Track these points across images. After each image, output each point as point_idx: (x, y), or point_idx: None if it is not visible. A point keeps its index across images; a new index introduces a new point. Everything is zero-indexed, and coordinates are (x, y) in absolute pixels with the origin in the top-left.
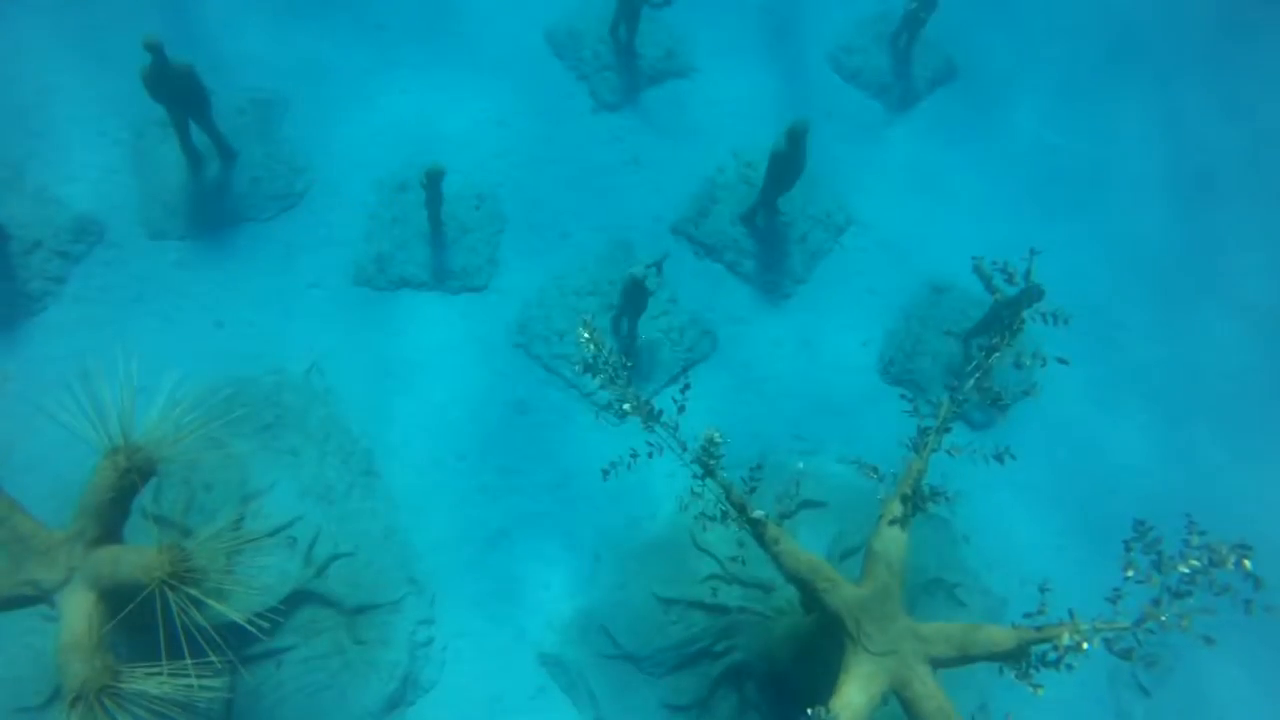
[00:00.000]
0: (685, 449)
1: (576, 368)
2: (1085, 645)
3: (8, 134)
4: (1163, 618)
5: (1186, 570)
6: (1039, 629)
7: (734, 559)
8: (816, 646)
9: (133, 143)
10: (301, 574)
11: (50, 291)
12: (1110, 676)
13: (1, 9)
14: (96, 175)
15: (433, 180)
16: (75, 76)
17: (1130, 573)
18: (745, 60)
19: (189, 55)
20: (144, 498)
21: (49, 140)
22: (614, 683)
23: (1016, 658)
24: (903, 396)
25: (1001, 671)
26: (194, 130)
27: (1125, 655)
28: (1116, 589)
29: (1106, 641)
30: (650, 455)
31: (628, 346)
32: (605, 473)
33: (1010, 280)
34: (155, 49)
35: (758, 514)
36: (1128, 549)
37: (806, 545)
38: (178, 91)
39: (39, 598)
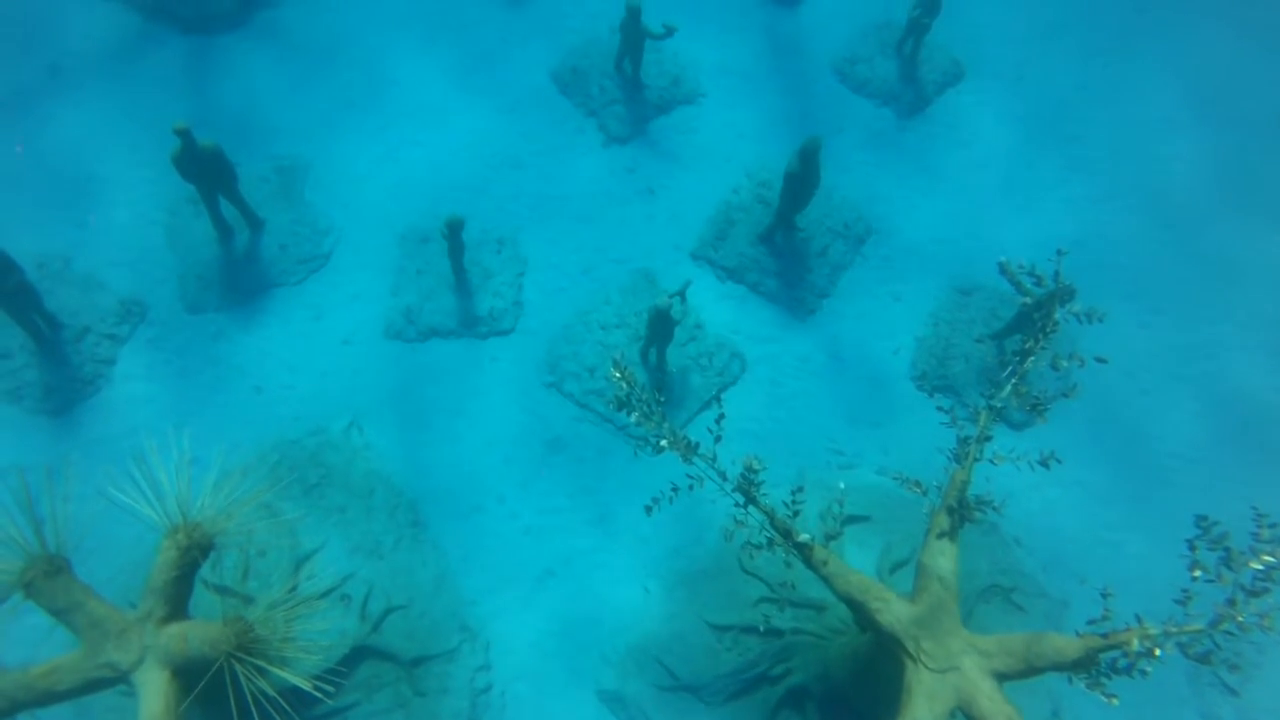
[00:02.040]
0: (725, 478)
1: (610, 404)
2: (1158, 651)
3: (56, 228)
4: (1240, 618)
5: (1260, 566)
6: (1106, 636)
7: (783, 583)
8: (875, 665)
9: (167, 222)
10: (359, 631)
11: (101, 374)
12: (1190, 676)
13: (48, 111)
14: (136, 257)
15: (453, 230)
16: (111, 165)
17: (1198, 573)
18: (751, 81)
19: (211, 131)
20: (203, 567)
21: (91, 229)
22: (674, 714)
23: (1085, 667)
24: (940, 409)
25: (1071, 681)
26: (223, 204)
27: (1204, 660)
28: (1185, 590)
29: (1181, 646)
30: (691, 488)
31: (658, 377)
32: (649, 509)
33: (1039, 283)
34: (184, 134)
35: (804, 538)
36: (1192, 548)
37: (853, 561)
38: (207, 170)
39: (118, 679)
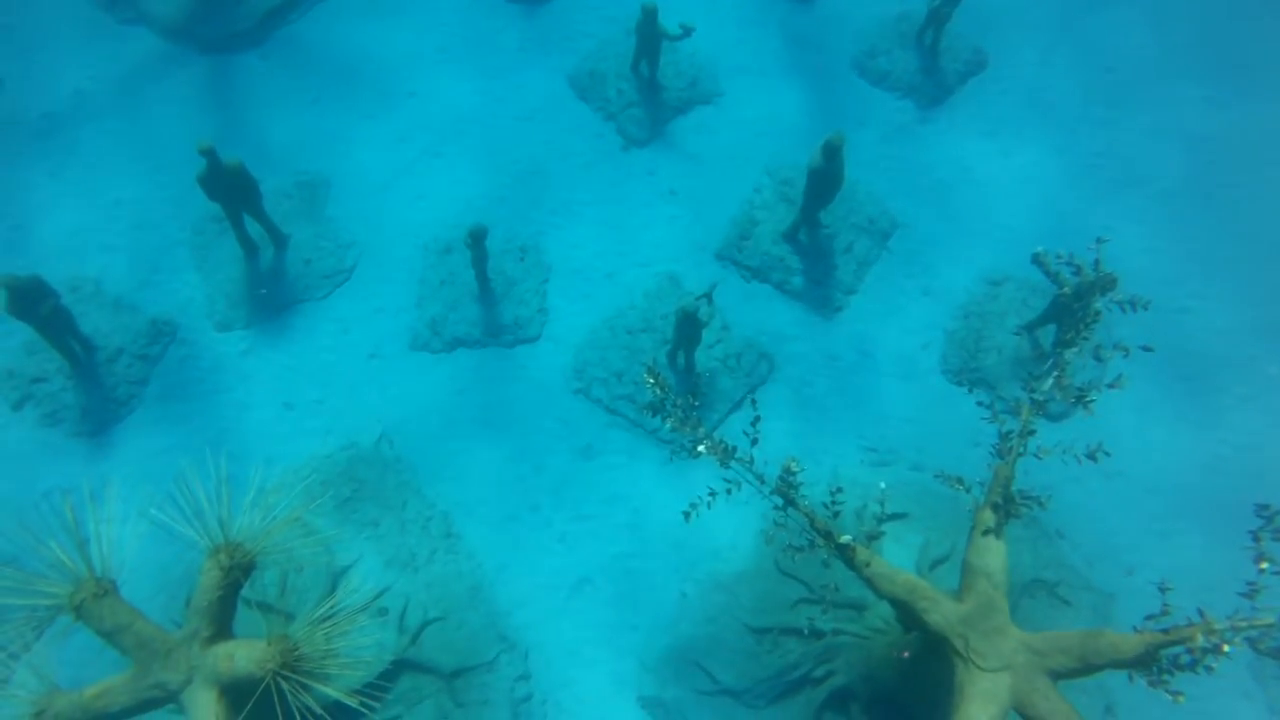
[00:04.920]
0: (763, 481)
1: (644, 410)
2: (1226, 647)
3: (87, 252)
4: None
5: None
6: (1166, 631)
7: (825, 585)
8: (923, 664)
9: (193, 241)
10: (397, 644)
11: (135, 394)
12: (1254, 669)
13: (75, 138)
14: (164, 277)
15: (476, 239)
16: (136, 187)
17: (1265, 565)
18: (770, 78)
19: (233, 148)
20: None
21: (120, 251)
22: (717, 719)
23: (1145, 664)
24: (980, 403)
25: (1131, 679)
26: (247, 221)
27: (1277, 655)
28: (1251, 583)
29: (1250, 641)
30: (729, 492)
31: (686, 379)
32: (687, 515)
33: (1078, 273)
34: (209, 153)
35: (845, 539)
36: (1256, 539)
37: (892, 559)
38: (232, 188)
39: (167, 698)
